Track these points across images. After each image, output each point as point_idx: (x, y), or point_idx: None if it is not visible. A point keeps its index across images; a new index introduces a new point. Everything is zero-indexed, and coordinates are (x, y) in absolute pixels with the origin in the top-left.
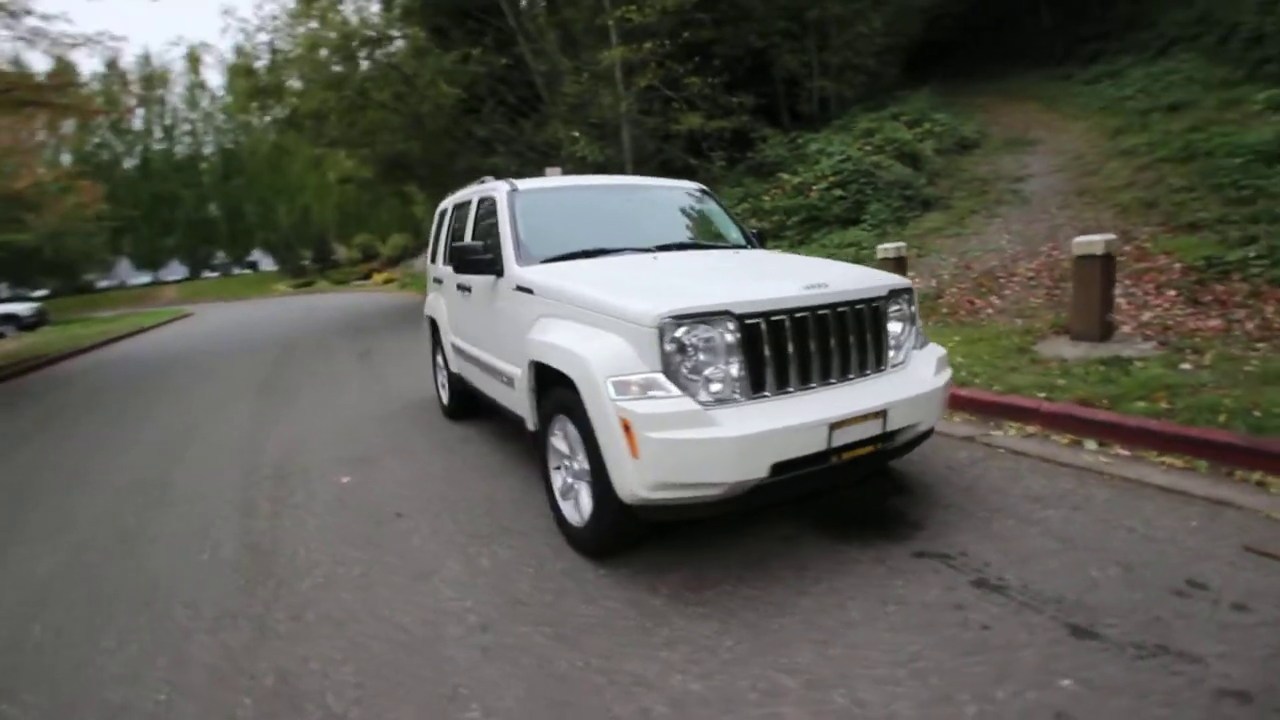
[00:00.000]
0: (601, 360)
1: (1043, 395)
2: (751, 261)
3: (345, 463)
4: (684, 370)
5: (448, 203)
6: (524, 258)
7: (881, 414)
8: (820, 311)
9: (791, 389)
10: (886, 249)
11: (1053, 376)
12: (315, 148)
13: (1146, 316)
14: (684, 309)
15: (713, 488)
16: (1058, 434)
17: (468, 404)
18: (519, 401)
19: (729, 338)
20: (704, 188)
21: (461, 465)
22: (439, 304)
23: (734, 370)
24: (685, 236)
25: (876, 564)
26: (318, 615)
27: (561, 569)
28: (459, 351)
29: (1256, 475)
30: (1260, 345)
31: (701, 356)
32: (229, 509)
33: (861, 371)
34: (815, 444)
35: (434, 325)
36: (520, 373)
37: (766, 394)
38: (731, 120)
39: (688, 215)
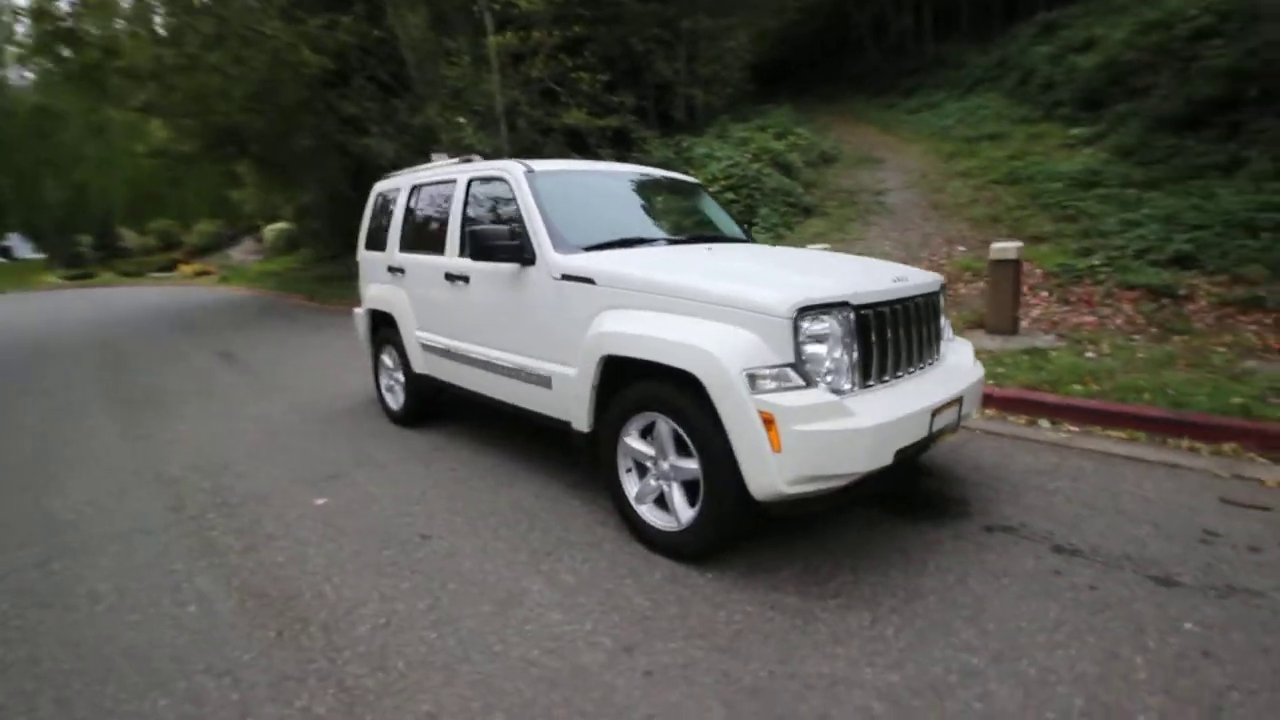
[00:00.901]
0: (732, 353)
1: (990, 381)
2: (793, 255)
3: (305, 482)
4: (810, 362)
5: (401, 181)
6: (562, 245)
7: (959, 400)
8: (906, 303)
9: (888, 378)
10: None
11: (990, 365)
12: (117, 111)
13: (1036, 314)
14: (814, 299)
15: (845, 478)
16: (1013, 415)
17: (427, 409)
18: (559, 402)
19: (849, 328)
20: (697, 181)
21: (453, 476)
22: (396, 297)
23: (850, 360)
24: (704, 228)
25: (960, 541)
26: (411, 662)
27: (662, 577)
28: (433, 349)
29: (1185, 442)
30: (1136, 336)
31: (824, 347)
32: (179, 549)
33: (929, 361)
34: (922, 430)
35: (376, 322)
36: (570, 370)
37: (872, 383)
38: (614, 119)
39: (696, 207)
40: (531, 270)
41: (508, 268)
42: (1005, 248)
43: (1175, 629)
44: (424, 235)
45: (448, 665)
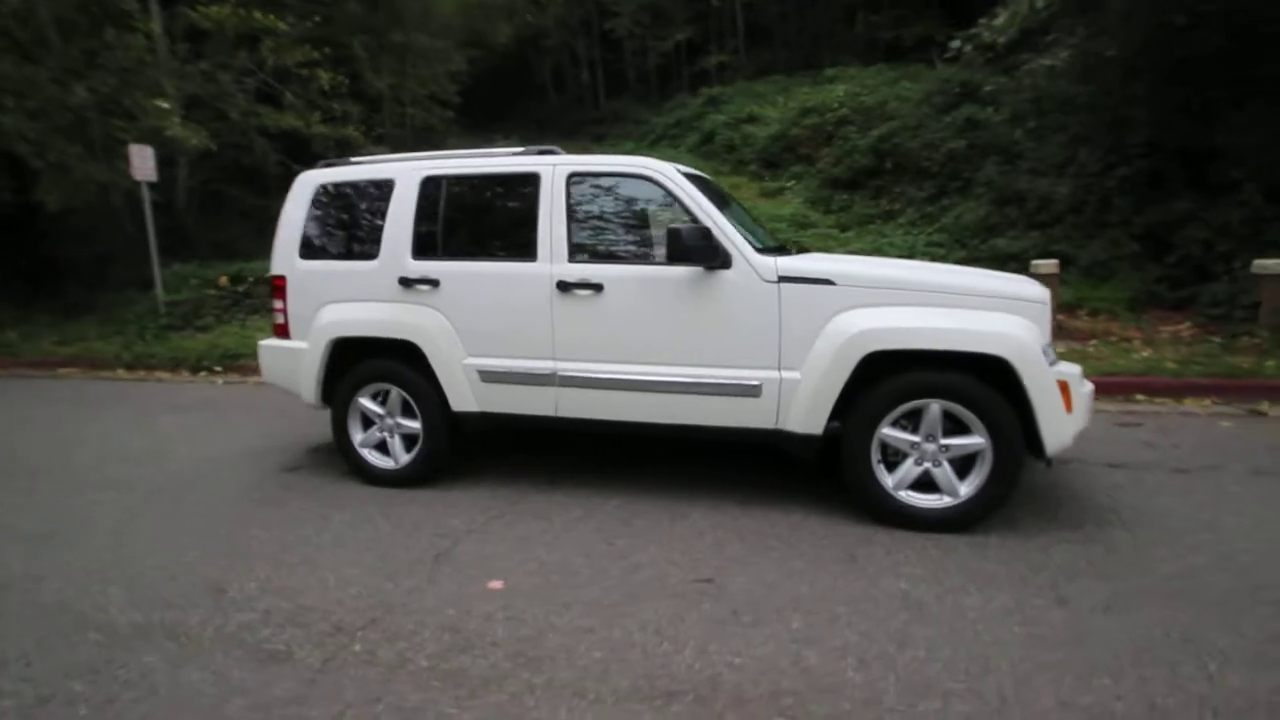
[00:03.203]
0: (1029, 335)
1: None
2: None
3: (412, 565)
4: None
5: (390, 171)
6: (754, 248)
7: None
8: None
9: None
10: None
11: None
12: None
13: None
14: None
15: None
16: None
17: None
18: (768, 410)
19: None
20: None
21: (594, 525)
22: (421, 318)
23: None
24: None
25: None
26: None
27: (939, 558)
28: (507, 378)
29: None
30: None
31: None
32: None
33: None
34: None
35: (347, 356)
36: (795, 374)
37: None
38: (346, 128)
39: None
40: (727, 274)
41: (682, 272)
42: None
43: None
44: (479, 238)
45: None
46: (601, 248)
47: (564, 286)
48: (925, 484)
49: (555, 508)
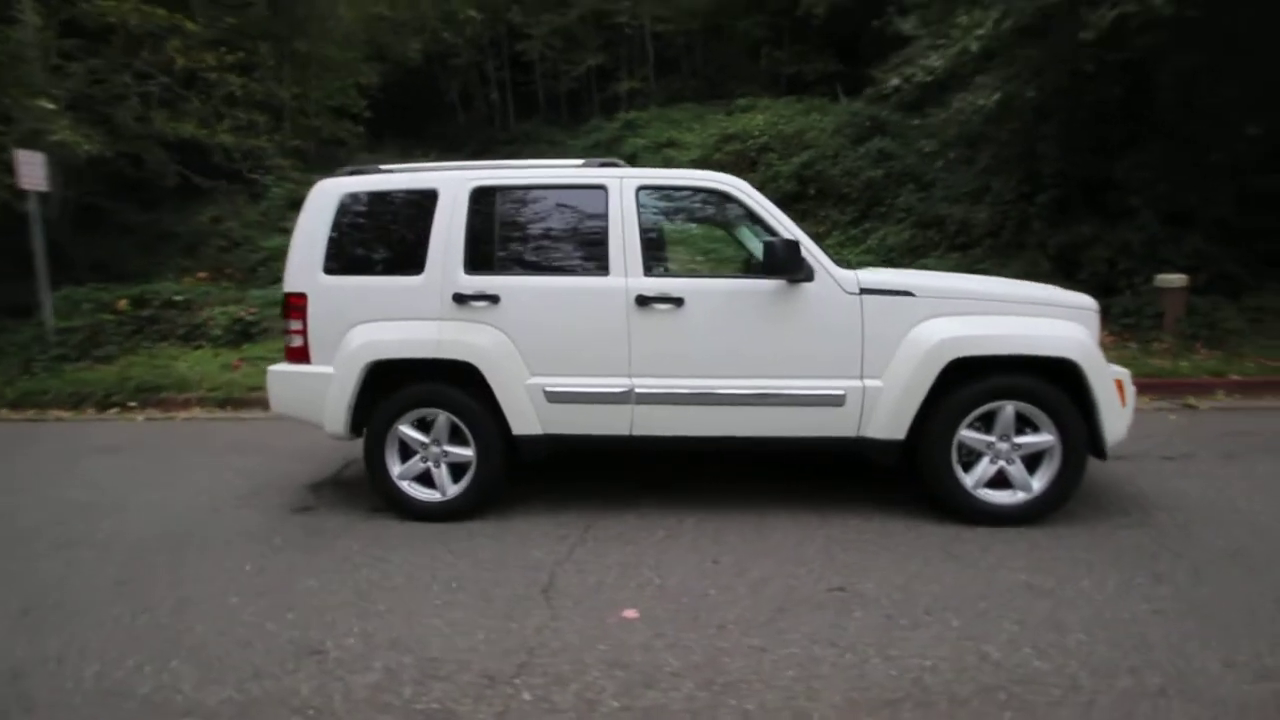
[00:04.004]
0: (1089, 339)
1: None
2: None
3: (521, 602)
4: None
5: (432, 180)
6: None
7: None
8: None
9: None
10: None
11: None
12: None
13: None
14: None
15: None
16: None
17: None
18: (850, 418)
19: None
20: None
21: (686, 544)
22: (480, 337)
23: None
24: None
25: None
26: None
27: (1030, 550)
28: (579, 398)
29: None
30: None
31: None
32: None
33: None
34: None
35: (383, 380)
36: (877, 382)
37: None
38: (245, 138)
39: None
40: (810, 286)
41: (765, 284)
42: None
43: None
44: (541, 252)
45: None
46: (677, 261)
47: (643, 301)
48: (998, 482)
49: (634, 531)
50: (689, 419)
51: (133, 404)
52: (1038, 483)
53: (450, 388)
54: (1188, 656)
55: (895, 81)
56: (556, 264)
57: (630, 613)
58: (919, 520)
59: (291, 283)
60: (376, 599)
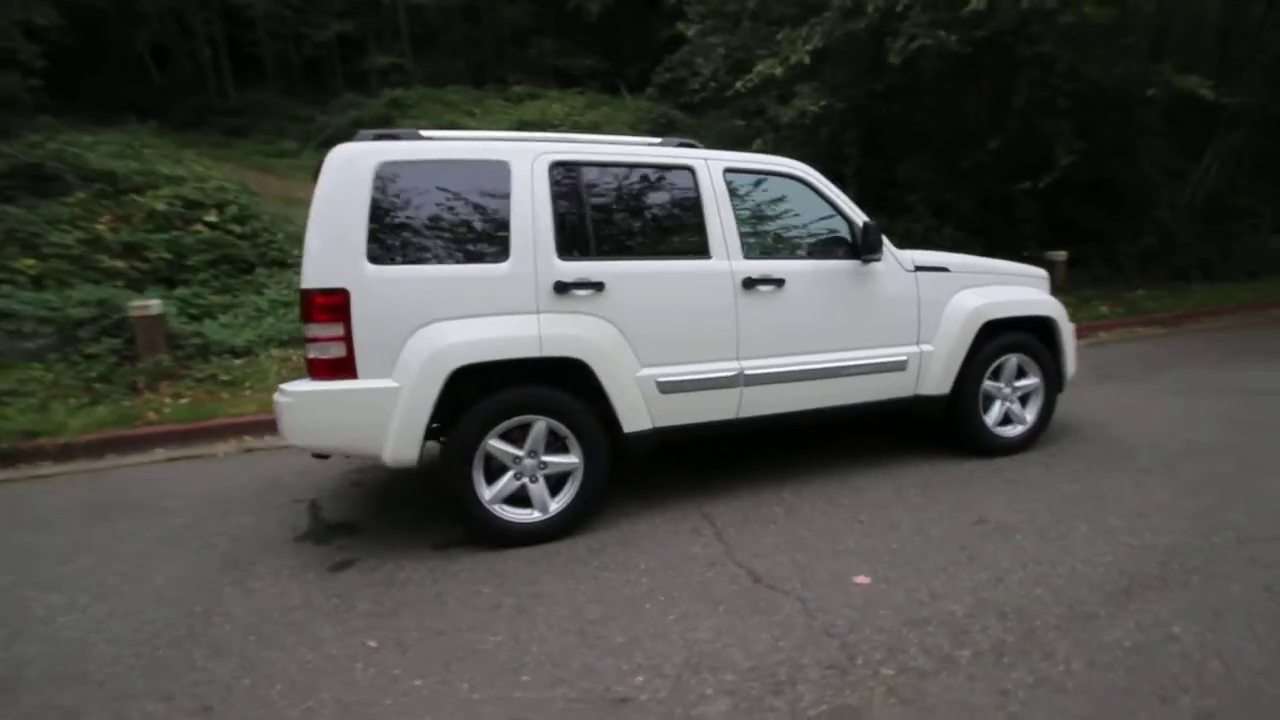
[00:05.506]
0: (1057, 302)
1: None
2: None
3: (733, 597)
4: None
5: (502, 152)
6: None
7: None
8: None
9: None
10: None
11: None
12: None
13: None
14: None
15: None
16: None
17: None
18: (910, 381)
19: None
20: None
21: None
22: (589, 330)
23: None
24: None
25: None
26: None
27: (1064, 477)
28: (689, 386)
29: None
30: None
31: None
32: None
33: None
34: None
35: (465, 387)
36: (929, 346)
37: None
38: None
39: None
40: (878, 264)
41: (848, 265)
42: None
43: None
44: (634, 234)
45: None
46: (768, 243)
47: (749, 283)
48: (1004, 421)
49: (755, 510)
50: (788, 396)
51: None
52: (1030, 415)
53: (551, 390)
54: (1240, 544)
55: (700, 80)
56: (653, 247)
57: (861, 578)
58: (945, 462)
59: (319, 276)
60: (599, 636)
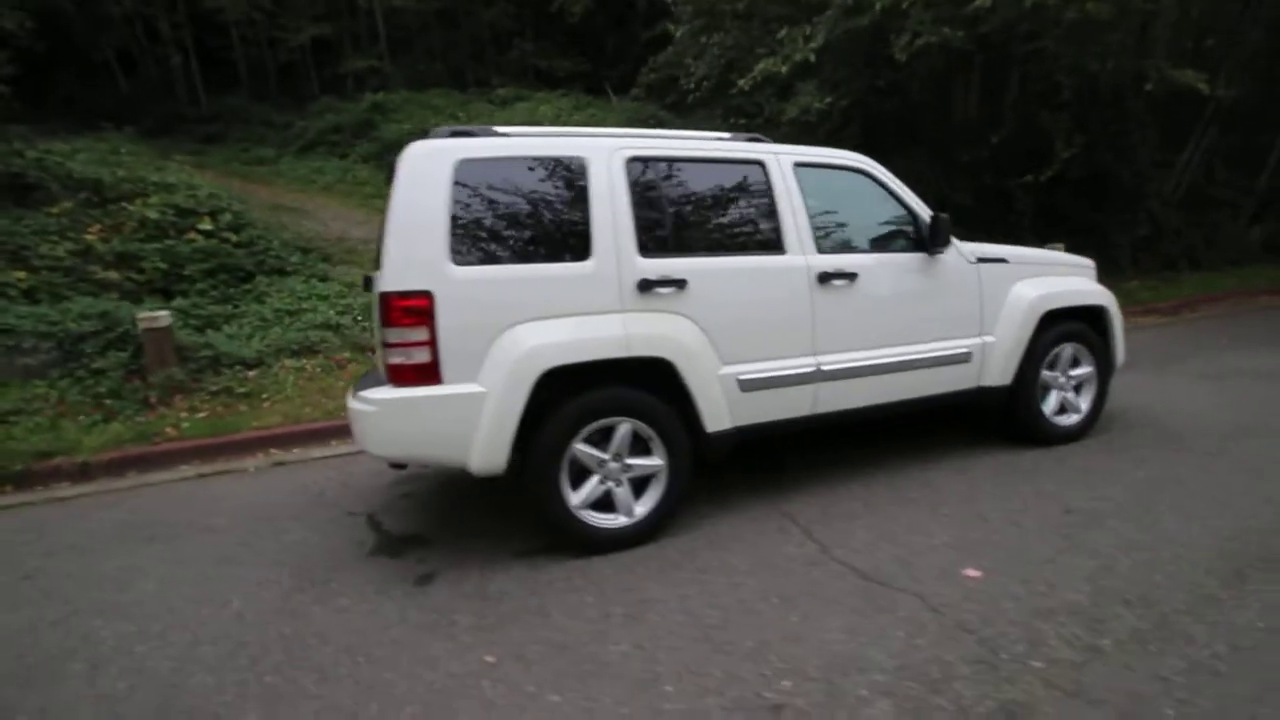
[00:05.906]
0: (1108, 291)
1: None
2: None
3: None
4: None
5: (580, 149)
6: None
7: None
8: None
9: None
10: None
11: None
12: None
13: None
14: None
15: None
16: None
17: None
18: (974, 372)
19: None
20: None
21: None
22: (674, 329)
23: None
24: None
25: None
26: None
27: (1117, 458)
28: (770, 383)
29: None
30: None
31: None
32: None
33: None
34: None
35: (552, 390)
36: (990, 337)
37: None
38: None
39: None
40: (944, 257)
41: (915, 258)
42: None
43: None
44: (710, 230)
45: None
46: (836, 237)
47: (824, 278)
48: (1060, 410)
49: (832, 506)
50: (862, 391)
51: None
52: (1084, 404)
53: (635, 390)
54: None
55: (694, 80)
56: (729, 243)
57: (972, 571)
58: (1006, 452)
59: (402, 279)
60: (726, 641)
